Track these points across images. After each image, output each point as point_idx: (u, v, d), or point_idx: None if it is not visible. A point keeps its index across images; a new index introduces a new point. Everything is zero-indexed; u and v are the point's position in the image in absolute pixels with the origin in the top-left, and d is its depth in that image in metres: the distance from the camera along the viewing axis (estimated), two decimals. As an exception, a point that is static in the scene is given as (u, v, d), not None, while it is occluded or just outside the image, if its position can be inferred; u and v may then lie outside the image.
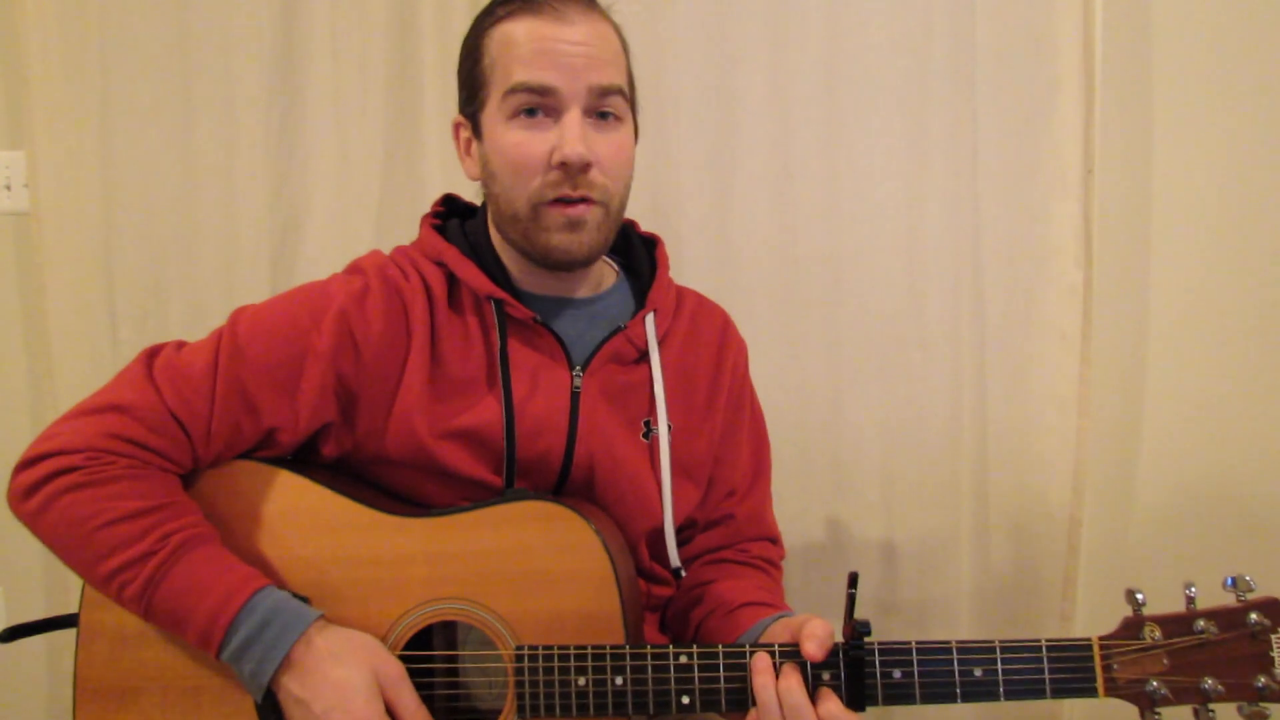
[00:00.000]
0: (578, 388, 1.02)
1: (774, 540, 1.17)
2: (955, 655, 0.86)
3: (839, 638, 0.87)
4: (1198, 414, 1.63)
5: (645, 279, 1.10)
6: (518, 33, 0.96)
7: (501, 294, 1.00)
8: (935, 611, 1.61)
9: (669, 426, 1.05)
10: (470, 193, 1.14)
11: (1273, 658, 0.84)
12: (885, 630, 1.62)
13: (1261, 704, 0.84)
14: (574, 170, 0.94)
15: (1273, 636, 0.84)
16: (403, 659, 0.92)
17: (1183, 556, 1.65)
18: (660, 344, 1.06)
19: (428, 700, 0.91)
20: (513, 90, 0.95)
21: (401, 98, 1.58)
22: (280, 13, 1.57)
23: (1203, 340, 1.62)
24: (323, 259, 1.59)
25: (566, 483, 1.03)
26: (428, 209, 1.13)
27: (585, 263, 1.01)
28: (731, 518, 1.13)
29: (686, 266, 1.57)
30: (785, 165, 1.57)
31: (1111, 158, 1.58)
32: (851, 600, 0.87)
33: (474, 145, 1.03)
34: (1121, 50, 1.57)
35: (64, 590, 1.62)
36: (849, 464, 1.60)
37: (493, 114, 0.98)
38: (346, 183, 1.60)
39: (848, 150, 1.57)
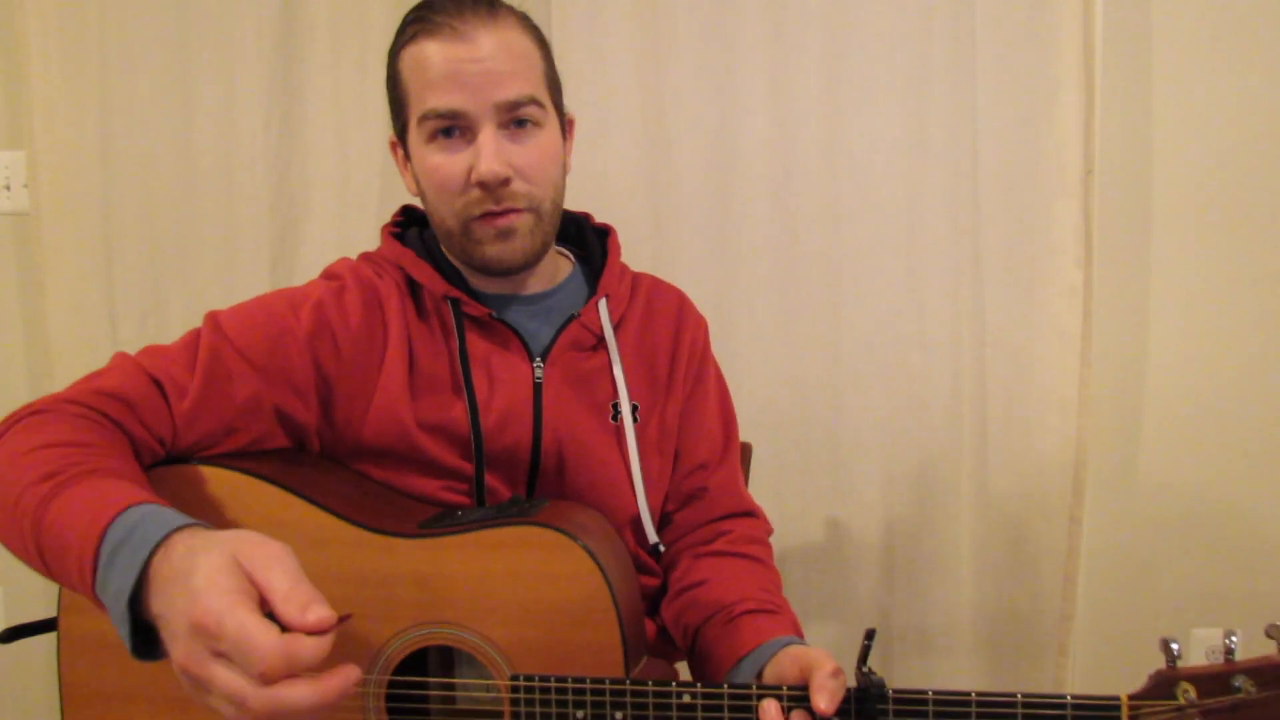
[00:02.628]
0: (539, 379, 1.03)
1: (754, 515, 1.17)
2: (975, 709, 0.81)
3: (849, 680, 0.83)
4: (1198, 414, 1.63)
5: (599, 269, 1.12)
6: (422, 56, 0.96)
7: (456, 293, 1.02)
8: (935, 611, 1.61)
9: (634, 407, 1.07)
10: None
11: None
12: (886, 630, 1.63)
13: None
14: (492, 187, 0.96)
15: None
16: (395, 683, 0.89)
17: (1183, 556, 1.65)
18: (617, 328, 1.08)
19: None
20: (424, 117, 0.97)
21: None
22: (280, 13, 1.57)
23: (1203, 340, 1.62)
24: (323, 259, 1.56)
25: (538, 472, 1.04)
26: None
27: (524, 267, 1.02)
28: (705, 490, 1.13)
29: (686, 266, 1.57)
30: (785, 165, 1.57)
31: (1111, 158, 1.58)
32: (866, 651, 0.83)
33: (408, 163, 1.05)
34: (1121, 50, 1.57)
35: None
36: (849, 464, 1.61)
37: (413, 136, 1.00)
38: (346, 183, 1.61)
39: (848, 150, 1.57)
